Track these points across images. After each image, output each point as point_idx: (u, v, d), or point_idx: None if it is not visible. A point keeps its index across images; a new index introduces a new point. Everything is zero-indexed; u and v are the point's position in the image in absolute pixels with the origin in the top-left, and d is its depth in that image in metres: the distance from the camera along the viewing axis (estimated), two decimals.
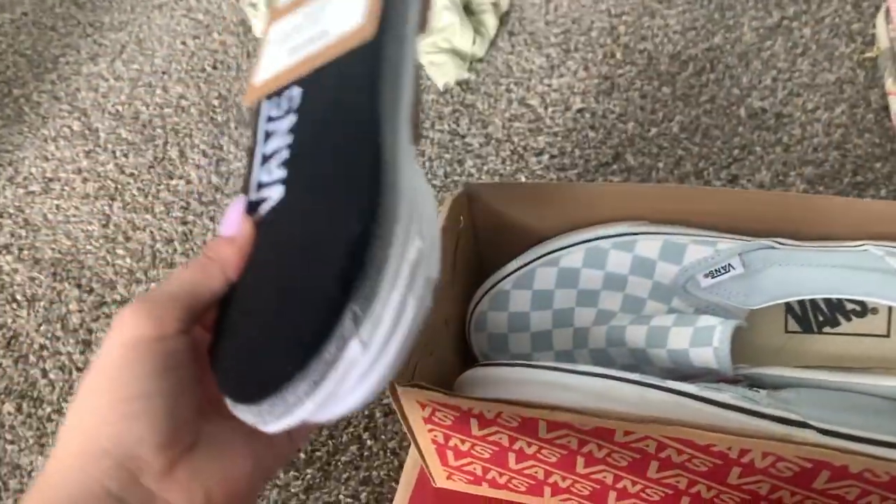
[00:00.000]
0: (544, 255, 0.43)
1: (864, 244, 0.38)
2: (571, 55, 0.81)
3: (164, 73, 0.90)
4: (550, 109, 0.77)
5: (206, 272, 0.27)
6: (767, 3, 0.80)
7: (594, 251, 0.42)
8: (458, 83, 0.81)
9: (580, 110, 0.76)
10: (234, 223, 0.29)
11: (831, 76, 0.73)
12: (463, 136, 0.77)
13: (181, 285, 0.26)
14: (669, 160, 0.70)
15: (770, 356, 0.41)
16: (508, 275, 0.43)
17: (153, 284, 0.70)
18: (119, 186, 0.78)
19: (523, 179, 0.71)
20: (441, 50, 0.82)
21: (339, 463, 0.56)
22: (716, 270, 0.39)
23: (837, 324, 0.41)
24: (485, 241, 0.47)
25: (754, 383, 0.38)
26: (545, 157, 0.73)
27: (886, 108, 0.69)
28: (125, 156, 0.81)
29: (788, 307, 0.41)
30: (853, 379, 0.37)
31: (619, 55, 0.80)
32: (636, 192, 0.43)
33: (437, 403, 0.34)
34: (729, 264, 0.39)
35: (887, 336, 0.40)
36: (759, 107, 0.72)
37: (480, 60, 0.83)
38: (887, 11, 0.72)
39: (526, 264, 0.43)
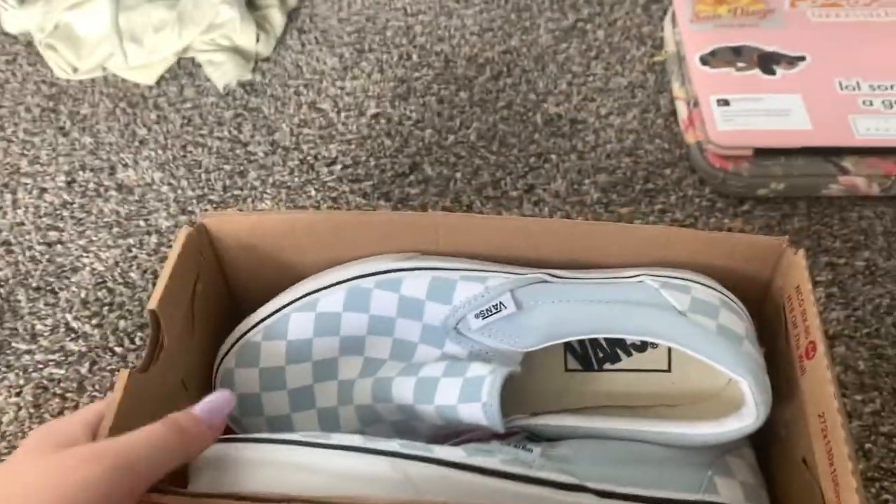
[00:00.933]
0: (299, 298, 0.37)
1: (639, 275, 0.35)
2: (366, 56, 0.76)
3: None
4: (343, 115, 0.71)
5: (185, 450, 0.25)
6: (563, 5, 0.79)
7: (356, 292, 0.36)
8: (241, 84, 0.73)
9: (375, 116, 0.71)
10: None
11: (624, 80, 0.72)
12: (245, 144, 0.69)
13: (153, 456, 0.24)
14: (467, 170, 0.66)
15: (551, 399, 0.38)
16: (257, 324, 0.37)
17: None
18: None
19: (313, 192, 0.65)
20: (220, 48, 0.73)
21: None
22: (487, 310, 0.35)
23: (618, 359, 0.38)
24: (238, 281, 0.41)
25: (532, 435, 0.35)
26: (337, 168, 0.67)
27: (674, 112, 0.69)
28: None
29: (567, 345, 0.38)
30: (635, 426, 0.34)
31: (415, 57, 0.75)
32: (404, 221, 0.38)
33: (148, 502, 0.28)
34: (500, 303, 0.34)
35: (668, 371, 0.38)
36: (554, 112, 0.70)
37: (266, 60, 0.76)
38: (673, 15, 0.72)
39: (278, 310, 0.37)
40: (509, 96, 0.71)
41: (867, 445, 0.48)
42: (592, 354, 0.38)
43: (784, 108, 0.63)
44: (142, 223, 0.63)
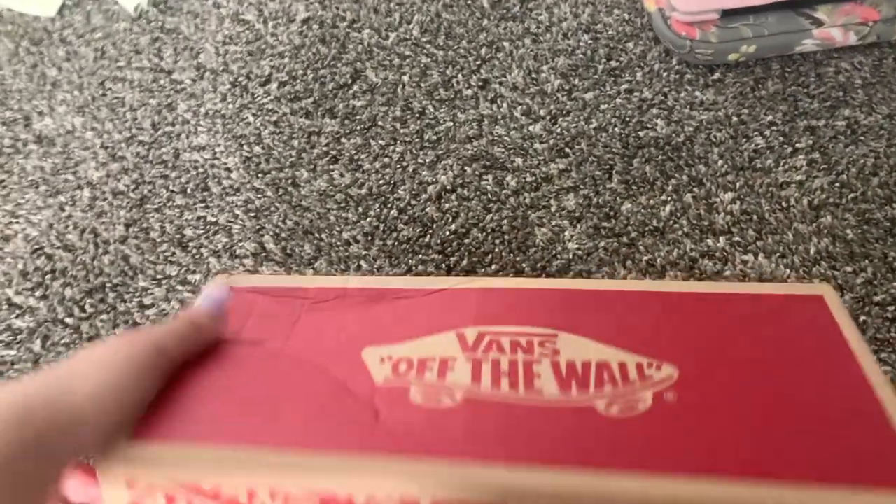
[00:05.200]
0: None
1: None
2: None
3: None
4: (271, 24, 0.64)
5: (199, 340, 0.30)
6: None
7: None
8: (154, 3, 0.66)
9: (306, 20, 0.64)
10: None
11: None
12: (169, 72, 0.63)
13: (178, 345, 0.29)
14: (414, 71, 0.61)
15: None
16: None
17: None
18: None
19: (251, 118, 0.60)
20: None
21: None
22: None
23: None
24: None
25: None
26: (273, 86, 0.61)
27: None
28: None
29: None
30: None
31: None
32: None
33: None
34: None
35: None
36: None
37: None
38: None
39: None
40: None
41: (862, 318, 0.47)
42: None
43: None
44: (70, 177, 0.58)
